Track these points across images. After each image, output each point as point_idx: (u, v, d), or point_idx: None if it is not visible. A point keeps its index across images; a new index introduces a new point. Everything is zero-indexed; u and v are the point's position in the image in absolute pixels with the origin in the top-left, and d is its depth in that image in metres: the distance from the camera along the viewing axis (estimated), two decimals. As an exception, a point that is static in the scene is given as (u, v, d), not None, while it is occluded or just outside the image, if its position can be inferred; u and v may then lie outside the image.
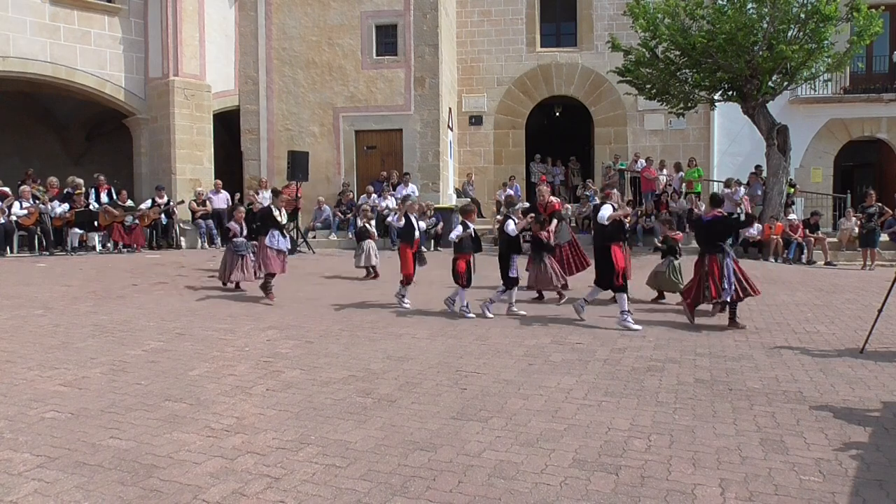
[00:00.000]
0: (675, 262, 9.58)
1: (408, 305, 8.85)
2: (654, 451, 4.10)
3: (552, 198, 10.73)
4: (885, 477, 3.76)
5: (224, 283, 10.37)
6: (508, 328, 7.67)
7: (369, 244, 11.81)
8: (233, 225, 10.28)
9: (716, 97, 16.56)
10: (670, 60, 15.92)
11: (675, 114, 17.44)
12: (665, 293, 9.75)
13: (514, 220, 8.65)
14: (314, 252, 15.61)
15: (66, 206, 14.68)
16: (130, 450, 4.07)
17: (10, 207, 14.13)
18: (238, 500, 3.47)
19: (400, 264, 9.03)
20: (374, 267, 11.77)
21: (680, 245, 9.82)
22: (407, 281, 8.93)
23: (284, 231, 9.70)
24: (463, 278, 8.22)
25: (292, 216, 11.31)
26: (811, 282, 11.69)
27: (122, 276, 11.36)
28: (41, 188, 14.96)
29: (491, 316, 8.22)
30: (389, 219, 11.75)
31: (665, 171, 18.30)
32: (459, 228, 8.40)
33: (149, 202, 16.02)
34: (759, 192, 16.57)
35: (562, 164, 22.35)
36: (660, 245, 10.27)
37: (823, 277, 12.47)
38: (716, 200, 8.32)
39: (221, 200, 16.94)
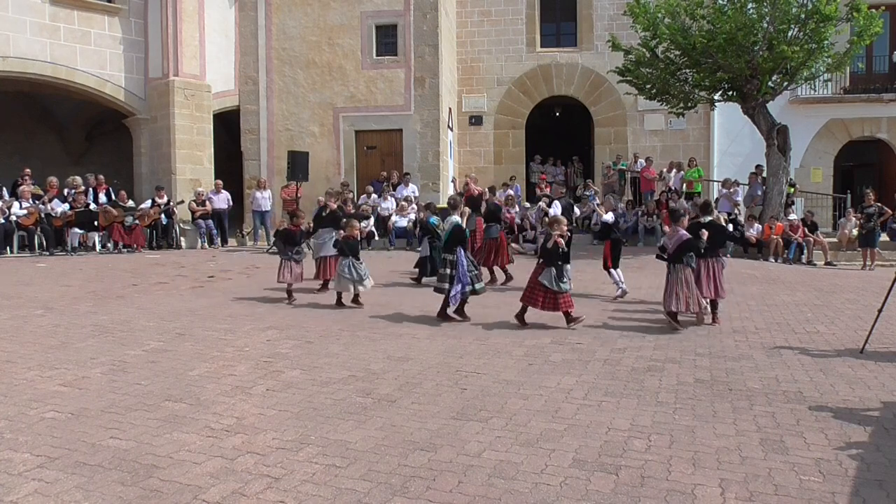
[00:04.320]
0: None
1: None
2: (654, 451, 4.10)
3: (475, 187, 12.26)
4: (885, 477, 3.76)
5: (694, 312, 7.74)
6: (508, 328, 7.66)
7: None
8: (676, 240, 7.60)
9: (716, 97, 16.56)
10: (670, 60, 15.92)
11: (675, 114, 17.44)
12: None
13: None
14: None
15: (66, 206, 14.69)
16: (130, 450, 4.07)
17: (9, 208, 14.15)
18: (238, 500, 3.47)
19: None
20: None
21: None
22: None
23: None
24: None
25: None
26: (811, 282, 11.69)
27: (122, 276, 11.36)
28: (39, 189, 14.97)
29: None
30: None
31: (672, 174, 18.24)
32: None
33: (149, 202, 16.02)
34: (759, 192, 16.57)
35: (562, 164, 22.35)
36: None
37: (823, 277, 12.47)
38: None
39: (222, 200, 16.95)
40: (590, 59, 21.05)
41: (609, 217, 9.90)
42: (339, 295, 9.00)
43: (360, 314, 8.43)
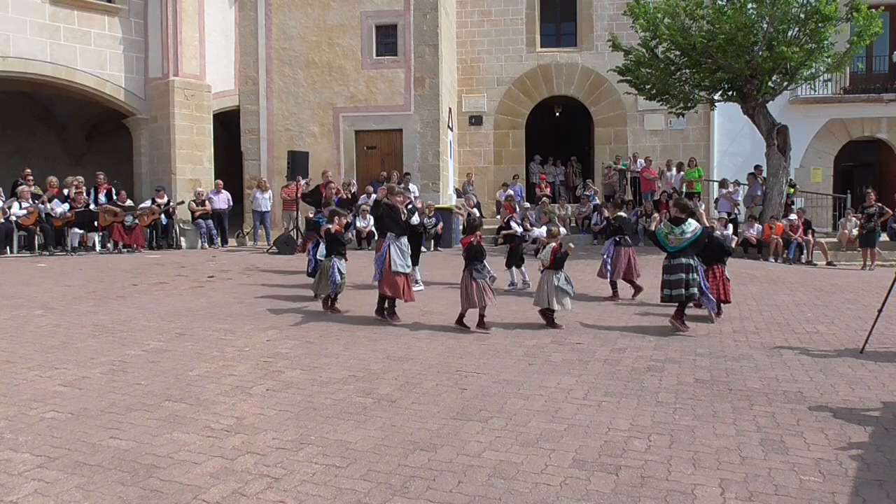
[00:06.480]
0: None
1: None
2: (654, 451, 4.10)
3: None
4: (885, 477, 3.76)
5: None
6: (508, 328, 7.66)
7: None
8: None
9: (716, 97, 16.57)
10: (670, 60, 15.93)
11: (675, 114, 17.45)
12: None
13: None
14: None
15: (66, 206, 14.69)
16: (130, 450, 4.07)
17: (9, 208, 14.14)
18: (238, 500, 3.47)
19: None
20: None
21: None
22: None
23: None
24: None
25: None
26: (811, 282, 11.69)
27: (122, 276, 11.35)
28: (38, 188, 14.97)
29: None
30: None
31: (671, 172, 18.24)
32: None
33: (148, 202, 16.02)
34: (759, 192, 16.57)
35: (562, 165, 22.35)
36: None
37: (823, 277, 12.47)
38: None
39: (222, 200, 16.95)
40: (590, 59, 21.04)
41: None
42: (552, 312, 7.76)
43: (359, 315, 8.42)
